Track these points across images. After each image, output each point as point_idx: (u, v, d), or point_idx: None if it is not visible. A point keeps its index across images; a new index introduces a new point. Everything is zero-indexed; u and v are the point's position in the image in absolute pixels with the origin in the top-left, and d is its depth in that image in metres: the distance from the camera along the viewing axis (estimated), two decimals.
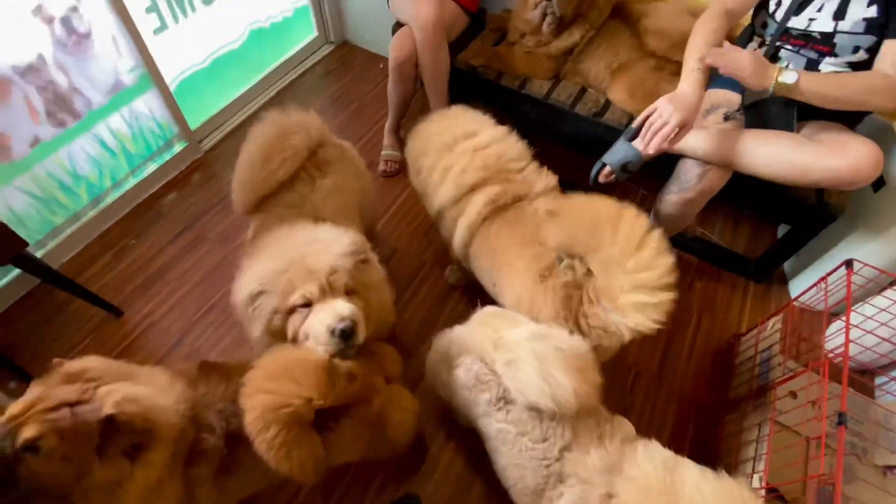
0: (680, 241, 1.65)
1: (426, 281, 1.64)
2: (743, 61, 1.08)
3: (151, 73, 1.63)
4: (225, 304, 1.53)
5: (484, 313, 1.04)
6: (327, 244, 0.92)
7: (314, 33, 2.29)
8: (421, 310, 1.56)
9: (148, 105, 1.69)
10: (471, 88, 1.74)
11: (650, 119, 1.15)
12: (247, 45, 1.99)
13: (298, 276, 0.87)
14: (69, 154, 1.55)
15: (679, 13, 1.45)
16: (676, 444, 1.34)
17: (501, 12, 1.81)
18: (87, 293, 1.44)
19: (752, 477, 1.10)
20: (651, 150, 1.15)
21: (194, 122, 1.89)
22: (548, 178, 1.19)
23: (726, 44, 1.15)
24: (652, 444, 0.91)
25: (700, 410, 1.41)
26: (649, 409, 1.41)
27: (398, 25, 1.69)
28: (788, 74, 1.07)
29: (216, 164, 1.91)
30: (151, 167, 1.79)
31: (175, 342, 1.49)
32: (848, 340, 1.07)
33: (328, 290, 0.87)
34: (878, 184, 1.44)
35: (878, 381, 1.47)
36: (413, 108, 1.85)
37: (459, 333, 1.04)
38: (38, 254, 1.57)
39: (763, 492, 1.03)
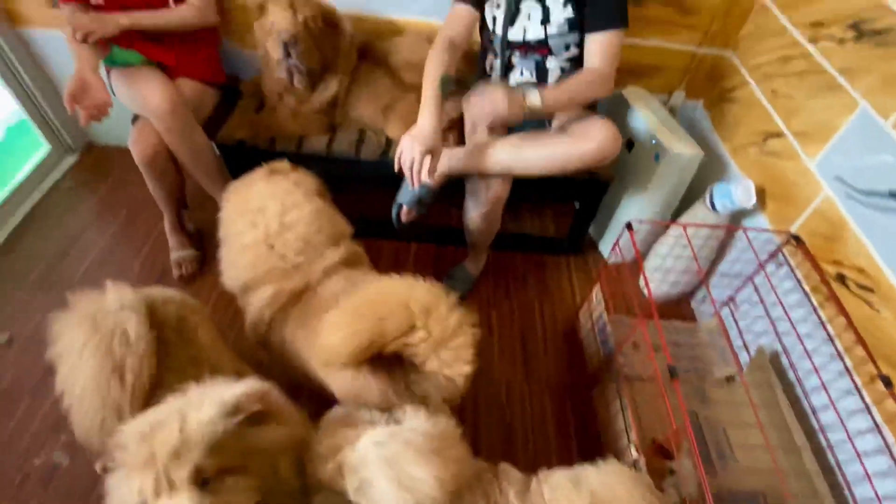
0: (499, 243, 1.72)
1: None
2: (496, 104, 1.16)
3: None
4: None
5: (328, 422, 0.90)
6: (187, 407, 0.70)
7: (46, 147, 1.92)
8: None
9: None
10: (245, 161, 1.60)
11: (402, 160, 1.18)
12: None
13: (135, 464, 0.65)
14: None
15: (419, 43, 1.50)
16: (563, 438, 1.37)
17: (254, 77, 1.70)
18: None
19: (629, 446, 1.15)
20: (417, 185, 1.19)
21: None
22: (331, 255, 1.03)
23: (475, 95, 1.22)
24: (546, 474, 0.88)
25: (572, 396, 1.46)
26: (529, 413, 1.42)
27: (136, 117, 1.48)
28: (532, 96, 1.17)
29: None
30: None
31: None
32: (650, 290, 1.19)
33: (166, 485, 0.65)
34: (630, 145, 1.68)
35: (693, 302, 1.70)
36: (199, 193, 1.65)
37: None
38: None
39: (641, 460, 1.09)
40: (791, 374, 1.26)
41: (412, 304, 0.82)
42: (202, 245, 1.72)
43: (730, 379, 1.39)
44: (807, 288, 1.24)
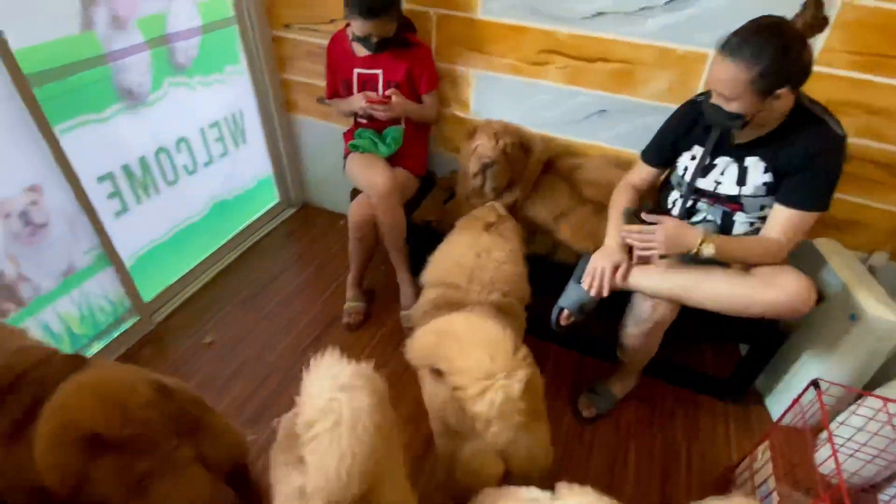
0: (651, 369, 1.64)
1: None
2: (657, 238, 1.24)
3: (108, 253, 1.63)
4: None
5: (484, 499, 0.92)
6: None
7: (276, 199, 2.43)
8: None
9: (101, 284, 1.65)
10: (426, 241, 1.83)
11: (592, 270, 1.36)
12: (208, 217, 2.07)
13: None
14: None
15: (606, 166, 1.65)
16: None
17: (449, 174, 2.00)
18: None
19: None
20: (595, 293, 1.35)
21: (148, 295, 1.85)
22: (493, 297, 1.26)
23: (643, 226, 1.31)
24: None
25: None
26: None
27: (356, 191, 1.82)
28: (707, 249, 1.21)
29: (167, 337, 1.83)
30: (97, 346, 1.69)
31: None
32: (840, 468, 1.04)
33: None
34: (818, 299, 1.55)
35: (882, 497, 1.40)
36: (374, 260, 1.92)
37: None
38: None
39: None
40: None
41: (488, 363, 0.89)
42: (371, 301, 1.96)
43: None
44: None
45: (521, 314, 1.32)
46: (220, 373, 1.69)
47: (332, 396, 0.77)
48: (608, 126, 1.74)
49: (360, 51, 1.68)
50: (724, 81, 1.10)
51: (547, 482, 1.10)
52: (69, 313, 1.59)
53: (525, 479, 1.05)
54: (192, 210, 2.00)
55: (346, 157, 1.85)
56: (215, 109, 1.97)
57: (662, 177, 1.50)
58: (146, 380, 0.90)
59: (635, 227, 1.30)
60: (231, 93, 2.02)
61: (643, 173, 1.45)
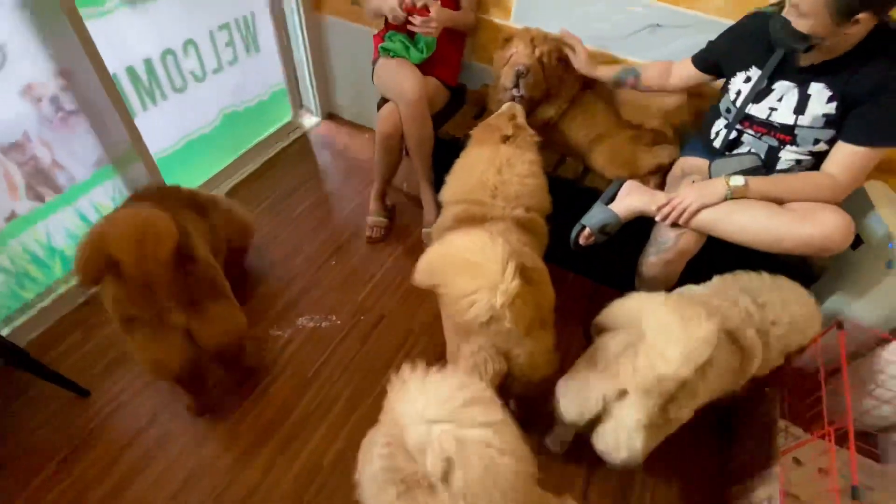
0: None
1: (414, 349, 1.59)
2: (685, 202, 1.22)
3: (137, 147, 1.64)
4: None
5: None
6: None
7: (289, 114, 2.36)
8: None
9: (132, 178, 1.68)
10: (453, 157, 1.79)
11: (675, 201, 1.26)
12: (221, 128, 2.00)
13: None
14: (47, 228, 1.52)
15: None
16: None
17: (480, 87, 1.90)
18: (51, 374, 1.35)
19: None
20: (672, 229, 1.29)
21: None
22: (517, 213, 1.26)
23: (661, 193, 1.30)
24: None
25: (702, 483, 1.33)
26: (649, 496, 1.33)
27: (383, 101, 1.76)
28: (735, 179, 1.18)
29: None
30: None
31: (145, 423, 1.39)
32: (850, 409, 1.04)
33: None
34: (857, 242, 1.48)
35: (881, 443, 1.42)
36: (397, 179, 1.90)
37: None
38: (5, 332, 1.49)
39: None
40: None
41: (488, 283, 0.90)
42: (393, 217, 1.96)
43: None
44: None
45: (543, 229, 1.31)
46: (249, 271, 1.76)
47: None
48: (662, 42, 1.59)
49: None
50: None
51: (548, 386, 1.16)
52: (105, 205, 1.64)
53: (525, 384, 1.10)
54: (203, 121, 1.93)
55: (374, 62, 1.76)
56: (226, 7, 1.83)
57: (712, 99, 1.39)
58: (174, 238, 1.03)
59: (661, 196, 1.27)
60: None
61: (684, 69, 1.40)
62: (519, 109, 1.44)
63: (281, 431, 1.38)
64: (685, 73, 1.40)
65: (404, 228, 1.95)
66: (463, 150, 1.42)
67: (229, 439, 1.36)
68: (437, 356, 1.55)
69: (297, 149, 2.31)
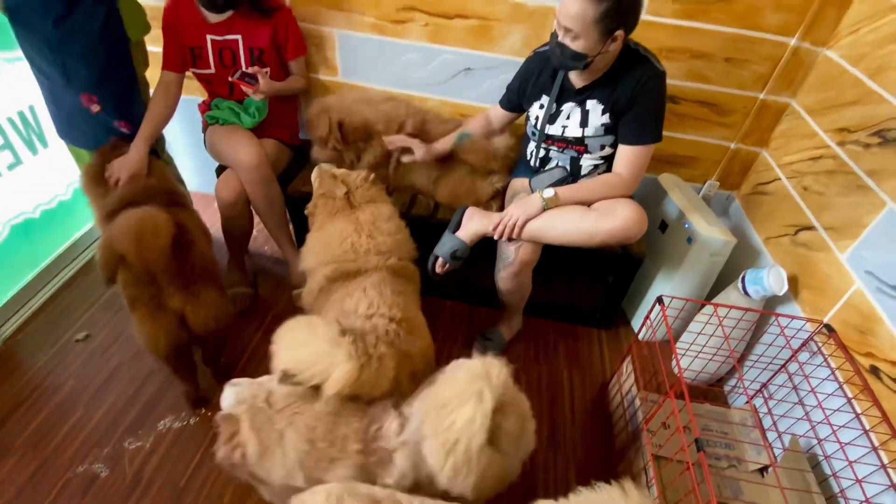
0: (533, 310, 1.78)
1: None
2: (512, 218, 1.39)
3: None
4: None
5: None
6: None
7: None
8: None
9: None
10: None
11: (505, 220, 1.41)
12: (9, 242, 1.68)
13: None
14: None
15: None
16: None
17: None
18: None
19: None
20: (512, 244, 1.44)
21: None
22: (388, 262, 1.30)
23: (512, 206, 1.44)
24: None
25: (597, 470, 1.44)
26: (552, 482, 1.40)
27: (221, 168, 1.70)
28: (546, 192, 1.38)
29: (21, 352, 1.61)
30: None
31: None
32: (680, 366, 1.22)
33: None
34: (664, 226, 1.76)
35: (726, 387, 1.68)
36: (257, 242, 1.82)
37: None
38: None
39: None
40: (826, 467, 1.22)
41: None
42: (257, 285, 1.87)
43: (762, 470, 1.35)
44: (841, 379, 1.24)
45: (415, 274, 1.36)
46: (94, 379, 1.54)
47: None
48: (476, 83, 1.78)
49: (213, 18, 1.53)
50: (573, 17, 1.18)
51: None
52: None
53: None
54: None
55: (204, 130, 1.70)
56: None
57: (518, 128, 1.59)
58: (170, 230, 1.20)
59: (495, 216, 1.43)
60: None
61: (497, 113, 1.61)
62: (327, 166, 1.45)
63: None
64: (499, 116, 1.61)
65: (271, 294, 1.87)
66: (309, 225, 1.43)
67: None
68: None
69: None
